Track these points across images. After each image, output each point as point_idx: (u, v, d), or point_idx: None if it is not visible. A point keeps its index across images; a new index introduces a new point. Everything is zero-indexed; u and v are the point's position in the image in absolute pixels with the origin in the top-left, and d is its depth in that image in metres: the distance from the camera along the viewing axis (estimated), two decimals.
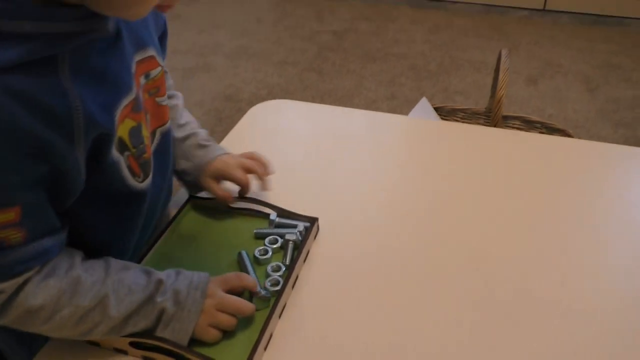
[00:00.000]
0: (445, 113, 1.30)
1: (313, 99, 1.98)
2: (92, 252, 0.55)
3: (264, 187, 0.72)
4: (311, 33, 2.49)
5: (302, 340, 0.57)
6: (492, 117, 1.16)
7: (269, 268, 0.63)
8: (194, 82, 2.09)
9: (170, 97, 0.71)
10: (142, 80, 0.55)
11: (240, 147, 0.78)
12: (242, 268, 0.64)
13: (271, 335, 0.57)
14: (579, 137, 1.56)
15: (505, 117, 1.26)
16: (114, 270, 0.54)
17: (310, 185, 0.79)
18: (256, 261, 0.65)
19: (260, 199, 0.72)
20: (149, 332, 0.54)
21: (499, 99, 1.13)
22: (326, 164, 0.84)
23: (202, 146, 0.71)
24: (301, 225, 0.69)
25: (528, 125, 1.26)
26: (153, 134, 0.60)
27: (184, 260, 0.64)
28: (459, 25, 2.53)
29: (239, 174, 0.70)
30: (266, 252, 0.65)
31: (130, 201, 0.56)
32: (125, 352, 0.55)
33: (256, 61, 2.25)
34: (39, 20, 0.42)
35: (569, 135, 1.19)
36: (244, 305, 0.57)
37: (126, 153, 0.53)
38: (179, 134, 0.70)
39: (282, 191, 0.73)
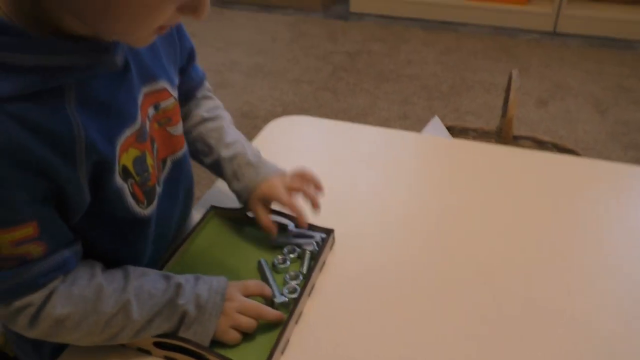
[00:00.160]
0: (456, 132, 1.32)
1: (327, 117, 2.01)
2: (105, 265, 0.58)
3: (313, 206, 0.69)
4: (325, 53, 2.54)
5: (317, 347, 0.60)
6: (503, 135, 1.18)
7: (287, 276, 0.66)
8: None
9: (213, 118, 0.74)
10: (151, 110, 0.58)
11: None
12: (262, 275, 0.67)
13: (288, 340, 0.59)
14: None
15: (516, 137, 1.28)
16: (133, 277, 0.57)
17: (326, 198, 0.82)
18: (274, 269, 0.68)
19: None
20: (171, 334, 0.57)
21: (510, 118, 1.16)
22: (341, 178, 0.87)
23: (251, 164, 0.71)
24: (318, 236, 0.71)
25: (539, 145, 1.29)
26: (164, 161, 0.63)
27: (204, 267, 0.67)
28: (469, 48, 2.57)
29: (285, 197, 0.68)
30: (284, 260, 0.68)
31: (134, 226, 0.58)
32: (148, 352, 0.58)
33: (272, 79, 2.30)
34: (44, 54, 0.45)
35: (579, 156, 1.21)
36: (265, 309, 0.60)
37: (130, 180, 0.55)
38: (226, 153, 0.71)
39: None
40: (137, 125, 0.54)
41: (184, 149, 0.66)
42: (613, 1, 2.75)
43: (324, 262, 0.69)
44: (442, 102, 2.11)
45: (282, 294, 0.63)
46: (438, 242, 0.74)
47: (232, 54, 2.54)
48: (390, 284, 0.67)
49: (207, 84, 0.79)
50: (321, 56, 2.51)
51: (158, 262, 0.66)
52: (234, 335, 0.58)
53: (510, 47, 2.57)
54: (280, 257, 0.68)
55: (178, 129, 0.64)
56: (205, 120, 0.74)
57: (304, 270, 0.67)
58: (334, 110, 2.06)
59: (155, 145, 0.59)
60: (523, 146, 1.27)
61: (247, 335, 0.59)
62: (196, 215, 0.76)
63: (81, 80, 0.48)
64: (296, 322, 0.61)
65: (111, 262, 0.58)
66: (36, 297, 0.51)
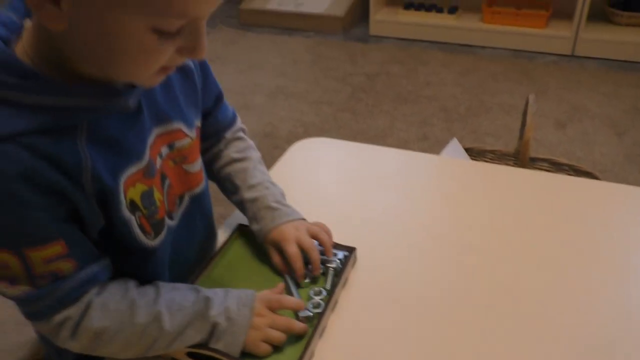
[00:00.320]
0: (475, 154, 1.35)
1: (347, 138, 2.04)
2: None
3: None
4: (345, 75, 2.59)
5: (339, 359, 0.63)
6: (520, 158, 1.21)
7: (311, 292, 0.69)
8: None
9: (242, 159, 0.79)
10: (165, 149, 0.63)
11: (283, 180, 0.84)
12: (287, 290, 0.70)
13: (313, 353, 0.63)
14: (607, 181, 1.58)
15: (534, 159, 1.30)
16: (164, 291, 0.61)
17: (348, 218, 0.85)
18: (298, 285, 0.71)
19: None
20: (203, 345, 0.61)
21: (526, 141, 1.19)
22: (362, 198, 0.90)
23: (270, 208, 0.75)
24: (340, 254, 0.75)
25: (556, 167, 1.30)
26: (181, 197, 0.67)
27: (232, 282, 0.72)
28: (488, 70, 2.60)
29: (290, 248, 0.71)
30: (306, 277, 0.72)
31: (142, 255, 0.62)
32: None
33: (293, 101, 2.35)
34: (61, 95, 0.50)
35: (596, 178, 1.23)
36: (295, 324, 0.63)
37: (137, 213, 0.59)
38: (248, 195, 0.76)
39: (322, 222, 0.79)
40: (143, 162, 0.58)
41: (202, 185, 0.71)
42: (630, 24, 2.77)
43: (346, 279, 0.73)
44: (460, 124, 2.14)
45: (306, 309, 0.66)
46: (455, 262, 0.76)
47: (255, 76, 2.61)
48: (409, 301, 0.70)
49: (238, 124, 0.83)
50: (341, 78, 2.56)
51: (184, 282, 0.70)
52: (265, 348, 0.61)
53: (529, 70, 2.60)
54: (303, 273, 0.72)
55: (195, 166, 0.68)
56: (234, 160, 0.79)
57: (328, 286, 0.70)
58: (353, 131, 2.11)
59: (168, 182, 0.64)
60: (540, 168, 1.29)
61: (274, 348, 0.62)
62: (224, 234, 0.80)
63: (94, 119, 0.53)
64: (320, 336, 0.65)
65: None
66: (73, 311, 0.55)
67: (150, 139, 0.60)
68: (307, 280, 0.71)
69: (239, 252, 0.77)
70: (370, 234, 0.81)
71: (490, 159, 1.35)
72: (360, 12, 3.28)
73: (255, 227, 0.75)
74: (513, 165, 1.27)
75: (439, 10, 3.03)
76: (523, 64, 2.67)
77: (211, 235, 0.79)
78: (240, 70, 2.68)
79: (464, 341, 0.64)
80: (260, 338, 0.61)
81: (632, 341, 0.64)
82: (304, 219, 0.76)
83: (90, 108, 0.52)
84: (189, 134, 0.66)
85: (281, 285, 0.69)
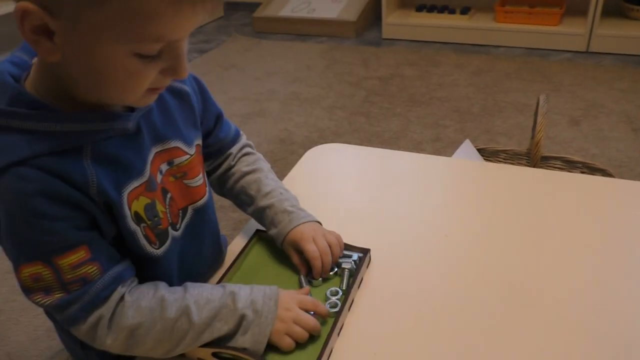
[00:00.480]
0: (487, 154, 1.37)
1: (361, 142, 2.08)
2: None
3: (316, 274, 0.74)
4: (358, 79, 2.62)
5: (357, 355, 0.65)
6: (531, 158, 1.23)
7: (328, 292, 0.72)
8: (251, 127, 2.24)
9: (253, 171, 0.83)
10: (164, 166, 0.68)
11: (299, 186, 0.88)
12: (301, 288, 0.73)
13: (331, 350, 0.65)
14: (623, 177, 1.59)
15: (547, 158, 1.31)
16: (191, 288, 0.66)
17: (363, 220, 0.88)
18: (311, 285, 0.74)
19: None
20: (230, 337, 0.64)
21: (537, 142, 1.20)
22: (376, 201, 0.92)
23: (287, 212, 0.78)
24: (355, 255, 0.77)
25: (569, 165, 1.31)
26: (184, 210, 0.72)
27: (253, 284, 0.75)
28: (501, 69, 2.61)
29: (310, 247, 0.74)
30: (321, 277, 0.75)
31: (150, 263, 0.67)
32: None
33: (307, 106, 2.39)
34: (68, 122, 0.57)
35: (610, 175, 1.24)
36: (317, 324, 0.66)
37: (142, 225, 0.64)
38: (263, 202, 0.80)
39: (338, 225, 0.81)
40: (144, 177, 0.64)
41: (205, 198, 0.75)
42: None
43: (361, 280, 0.75)
44: (474, 124, 2.15)
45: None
46: (468, 262, 0.78)
47: (270, 83, 2.65)
48: (423, 300, 0.72)
49: (243, 141, 0.87)
50: (354, 82, 2.59)
51: None
52: (288, 342, 0.65)
53: (543, 68, 2.59)
54: (311, 274, 0.75)
55: (196, 181, 0.73)
56: (245, 173, 0.83)
57: (344, 287, 0.73)
58: (368, 134, 2.13)
59: (169, 195, 0.69)
60: (554, 167, 1.30)
61: (296, 344, 0.65)
62: (242, 240, 0.83)
63: (97, 141, 0.59)
64: (338, 334, 0.67)
65: None
66: (104, 310, 0.60)
67: (150, 157, 0.65)
68: (319, 280, 0.74)
69: (258, 257, 0.80)
70: (384, 236, 0.83)
71: (503, 158, 1.37)
72: (372, 16, 3.31)
73: (273, 231, 0.79)
74: (526, 165, 1.28)
75: (451, 11, 3.04)
76: (537, 62, 2.67)
77: (217, 245, 0.82)
78: (256, 77, 2.73)
79: (479, 341, 0.66)
80: (285, 331, 0.64)
81: None
82: (319, 222, 0.80)
83: (93, 131, 0.59)
84: (188, 151, 0.71)
85: (306, 289, 0.72)
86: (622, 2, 2.80)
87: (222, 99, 2.51)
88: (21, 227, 0.57)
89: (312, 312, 0.68)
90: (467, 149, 1.33)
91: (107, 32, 0.51)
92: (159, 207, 0.66)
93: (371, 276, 0.76)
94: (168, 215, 0.68)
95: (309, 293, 0.72)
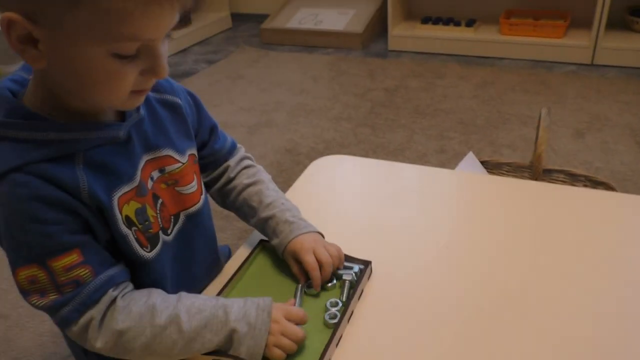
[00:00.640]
0: (491, 166, 1.38)
1: (366, 153, 2.10)
2: None
3: (315, 285, 0.76)
4: (364, 90, 2.64)
5: None
6: (533, 171, 1.24)
7: (327, 303, 0.73)
8: (257, 137, 2.26)
9: (254, 183, 0.85)
10: (156, 173, 0.71)
11: (303, 196, 0.89)
12: (295, 297, 0.75)
13: None
14: (627, 190, 1.60)
15: (549, 171, 1.32)
16: (184, 298, 0.67)
17: (366, 232, 0.89)
18: (306, 292, 0.76)
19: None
20: (224, 352, 0.65)
21: (538, 155, 1.22)
22: (379, 213, 0.94)
23: (288, 222, 0.80)
24: (356, 267, 0.78)
25: (572, 178, 1.32)
26: (176, 216, 0.75)
27: (254, 293, 0.75)
28: (506, 81, 2.62)
29: (308, 258, 0.76)
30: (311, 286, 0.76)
31: (143, 268, 0.69)
32: None
33: (313, 117, 2.41)
34: (62, 131, 0.61)
35: (612, 189, 1.24)
36: (304, 335, 0.67)
37: (133, 228, 0.67)
38: (264, 213, 0.82)
39: (340, 237, 0.82)
40: (135, 183, 0.67)
41: (199, 205, 0.77)
42: None
43: (362, 291, 0.76)
44: (478, 136, 2.16)
45: (323, 320, 0.71)
46: (470, 275, 0.79)
47: (277, 94, 2.68)
48: (425, 314, 0.73)
49: (241, 153, 0.90)
50: (360, 94, 2.61)
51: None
52: (279, 353, 0.66)
53: (547, 80, 2.61)
54: (309, 282, 0.76)
55: (188, 188, 0.76)
56: (247, 186, 0.85)
57: (344, 298, 0.74)
58: (373, 145, 2.15)
59: (160, 201, 0.71)
60: (556, 180, 1.31)
61: (292, 356, 0.66)
62: (246, 250, 0.85)
63: (89, 148, 0.63)
64: (337, 345, 0.68)
65: None
66: (95, 312, 0.63)
67: (141, 164, 0.69)
68: (314, 290, 0.76)
69: (261, 267, 0.82)
70: (386, 248, 0.84)
71: (506, 171, 1.38)
72: (378, 28, 3.34)
73: (275, 241, 0.80)
74: (529, 178, 1.29)
75: (457, 23, 3.07)
76: (541, 74, 2.68)
77: (213, 252, 0.84)
78: (263, 88, 2.75)
79: (480, 356, 0.66)
80: (273, 343, 0.66)
81: None
82: (320, 233, 0.81)
83: (85, 140, 0.62)
84: (180, 160, 0.74)
85: (292, 300, 0.74)
86: (627, 14, 2.82)
87: (229, 109, 2.53)
88: (17, 230, 0.60)
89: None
90: (470, 161, 1.34)
91: (83, 34, 0.54)
92: (150, 212, 0.69)
93: (372, 288, 0.77)
94: (159, 219, 0.71)
95: (295, 304, 0.73)
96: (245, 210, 0.85)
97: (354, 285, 0.75)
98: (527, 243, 0.84)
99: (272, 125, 2.36)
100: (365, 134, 2.24)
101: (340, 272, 0.78)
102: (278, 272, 0.81)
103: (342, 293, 0.75)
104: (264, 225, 0.82)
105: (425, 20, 3.14)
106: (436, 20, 3.12)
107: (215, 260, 0.85)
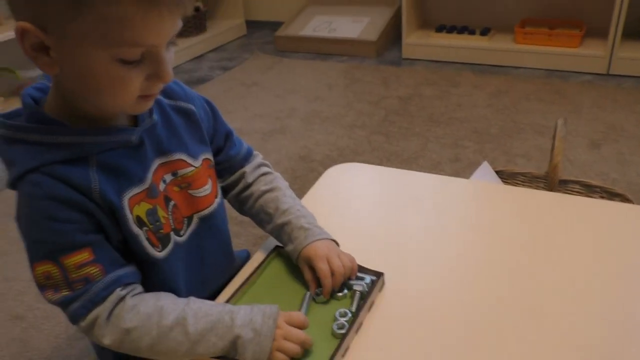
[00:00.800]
0: (506, 176, 1.37)
1: (380, 161, 2.10)
2: None
3: (325, 292, 0.76)
4: (378, 98, 2.65)
5: None
6: (548, 182, 1.23)
7: (337, 313, 0.72)
8: (272, 144, 2.28)
9: (271, 190, 0.86)
10: (169, 176, 0.74)
11: (318, 204, 0.89)
12: (300, 303, 0.75)
13: None
14: None
15: (565, 182, 1.31)
16: (193, 302, 0.69)
17: (379, 241, 0.88)
18: (314, 300, 0.76)
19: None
20: (230, 358, 0.66)
21: (554, 166, 1.21)
22: (393, 222, 0.94)
23: (303, 228, 0.81)
24: (368, 278, 0.78)
25: (588, 189, 1.31)
26: (189, 218, 0.77)
27: (266, 299, 0.77)
28: (520, 90, 2.62)
29: (322, 265, 0.76)
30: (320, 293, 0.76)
31: (154, 268, 0.72)
32: None
33: (328, 125, 2.42)
34: (77, 135, 0.65)
35: (629, 201, 1.23)
36: (307, 337, 0.68)
37: (144, 228, 0.70)
38: (280, 220, 0.83)
39: (353, 246, 0.82)
40: (145, 185, 0.70)
41: (212, 207, 0.80)
42: None
43: (372, 303, 0.75)
44: (492, 145, 2.15)
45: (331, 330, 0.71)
46: (485, 287, 0.78)
47: (291, 100, 2.69)
48: (434, 328, 0.72)
49: (258, 160, 0.91)
50: (374, 101, 2.62)
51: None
52: (282, 357, 0.67)
53: (563, 90, 2.59)
54: (319, 289, 0.77)
55: (201, 191, 0.78)
56: (264, 192, 0.86)
57: (353, 308, 0.73)
58: (387, 153, 2.15)
59: (172, 203, 0.74)
60: (572, 191, 1.30)
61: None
62: (262, 255, 0.86)
63: (101, 151, 0.66)
64: (343, 356, 0.68)
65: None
66: (102, 309, 0.65)
67: (153, 167, 0.72)
68: (323, 297, 0.76)
69: (275, 272, 0.83)
70: (399, 259, 0.84)
71: (521, 181, 1.37)
72: (392, 36, 3.35)
73: (289, 247, 0.81)
74: (544, 189, 1.29)
75: (471, 32, 3.07)
76: (556, 83, 2.67)
77: (226, 254, 0.86)
78: (277, 95, 2.77)
79: None
80: (276, 347, 0.67)
81: None
82: (334, 241, 0.82)
83: (98, 143, 0.66)
84: (193, 164, 0.77)
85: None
86: None
87: (243, 115, 2.55)
88: (34, 228, 0.64)
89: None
90: (485, 170, 1.34)
91: (89, 39, 0.57)
92: (161, 213, 0.72)
93: (383, 300, 0.77)
94: (170, 221, 0.73)
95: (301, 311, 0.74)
96: (261, 216, 0.86)
97: (365, 296, 0.75)
98: (543, 255, 0.84)
99: (287, 132, 2.37)
100: (379, 142, 2.24)
101: (352, 282, 0.78)
102: (291, 278, 0.81)
103: (352, 303, 0.75)
104: (280, 231, 0.83)
105: (440, 29, 3.14)
106: (450, 29, 3.12)
107: (229, 264, 0.86)
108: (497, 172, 1.34)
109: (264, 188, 0.87)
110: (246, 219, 0.90)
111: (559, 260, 0.82)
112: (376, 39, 3.19)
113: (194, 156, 0.77)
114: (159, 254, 0.71)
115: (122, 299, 0.66)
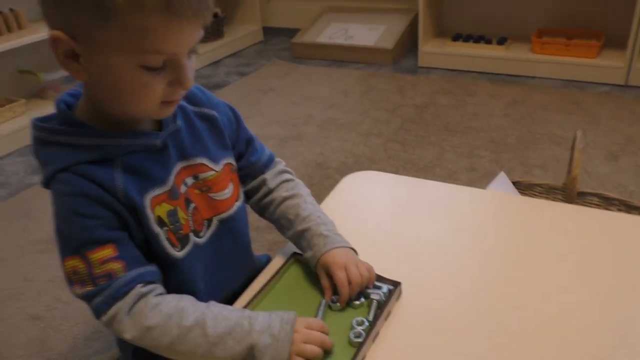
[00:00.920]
0: (523, 187, 1.37)
1: (396, 169, 2.10)
2: None
3: (341, 300, 0.76)
4: (394, 106, 2.65)
5: None
6: (567, 194, 1.23)
7: (354, 321, 0.73)
8: (288, 150, 2.29)
9: (292, 197, 0.88)
10: (190, 180, 0.77)
11: (335, 212, 0.90)
12: (316, 311, 0.76)
13: None
14: None
15: (583, 194, 1.31)
16: (213, 306, 0.71)
17: (395, 251, 0.89)
18: (329, 308, 0.77)
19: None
20: None
21: (573, 177, 1.21)
22: (409, 231, 0.94)
23: (322, 235, 0.82)
24: (385, 287, 0.78)
25: (606, 202, 1.30)
26: (209, 220, 0.79)
27: (284, 305, 0.78)
28: (537, 100, 2.61)
29: (340, 273, 0.77)
30: (338, 301, 0.77)
31: (174, 268, 0.75)
32: None
33: (344, 132, 2.43)
34: (104, 138, 0.69)
35: None
36: (326, 338, 0.70)
37: (165, 228, 0.73)
38: (301, 226, 0.84)
39: (370, 254, 0.83)
40: (167, 187, 0.73)
41: (232, 210, 0.82)
42: None
43: (389, 312, 0.76)
44: (509, 155, 2.15)
45: (348, 339, 0.71)
46: (501, 298, 0.78)
47: (307, 107, 2.71)
48: (453, 336, 0.72)
49: (281, 167, 0.92)
50: (390, 109, 2.62)
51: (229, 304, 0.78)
52: None
53: (580, 100, 2.58)
54: (335, 297, 0.77)
55: (222, 195, 0.81)
56: (285, 199, 0.88)
57: (370, 317, 0.74)
58: (403, 161, 2.15)
59: (193, 205, 0.76)
60: (590, 203, 1.30)
61: None
62: (279, 262, 0.87)
63: (126, 154, 0.70)
64: None
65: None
66: (122, 305, 0.68)
67: (175, 170, 0.75)
68: (338, 305, 0.77)
69: (292, 279, 0.84)
70: (416, 269, 0.84)
71: (538, 192, 1.37)
72: (409, 44, 3.36)
73: (308, 253, 0.82)
74: (562, 200, 1.28)
75: (488, 41, 3.06)
76: (574, 94, 2.65)
77: (246, 256, 0.88)
78: (293, 101, 2.79)
79: None
80: (295, 352, 0.68)
81: None
82: (353, 249, 0.82)
83: (123, 146, 0.70)
84: (214, 168, 0.79)
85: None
86: None
87: (259, 121, 2.57)
88: (63, 224, 0.67)
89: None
90: (502, 180, 1.33)
91: (114, 47, 0.61)
92: (181, 214, 0.74)
93: (400, 310, 0.77)
94: (190, 222, 0.76)
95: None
96: (282, 222, 0.87)
97: (382, 305, 0.75)
98: (561, 267, 0.84)
99: (303, 139, 2.38)
100: (395, 150, 2.24)
101: (369, 290, 0.78)
102: (308, 285, 0.82)
103: (369, 312, 0.75)
104: (300, 237, 0.84)
105: (456, 38, 3.14)
106: (467, 38, 3.12)
107: (248, 266, 0.88)
108: (514, 183, 1.34)
109: (285, 194, 0.88)
110: (262, 224, 0.91)
111: (577, 273, 0.82)
112: (392, 47, 3.19)
113: (216, 161, 0.80)
114: (178, 253, 0.74)
115: (144, 296, 0.69)
